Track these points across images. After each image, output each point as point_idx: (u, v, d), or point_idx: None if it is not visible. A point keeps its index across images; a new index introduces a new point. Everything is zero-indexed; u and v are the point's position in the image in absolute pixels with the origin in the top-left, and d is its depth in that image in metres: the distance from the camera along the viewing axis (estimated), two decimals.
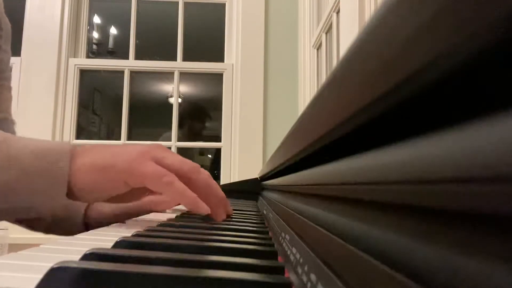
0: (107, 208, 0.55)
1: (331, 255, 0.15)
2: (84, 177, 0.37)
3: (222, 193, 0.46)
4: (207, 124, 2.21)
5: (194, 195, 0.40)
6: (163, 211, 0.58)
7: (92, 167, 0.38)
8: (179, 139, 1.75)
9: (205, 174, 0.44)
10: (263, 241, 0.30)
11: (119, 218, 0.53)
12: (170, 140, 1.78)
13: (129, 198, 0.44)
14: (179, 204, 0.61)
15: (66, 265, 0.17)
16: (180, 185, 0.39)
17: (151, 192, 0.45)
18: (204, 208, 0.41)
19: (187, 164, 0.42)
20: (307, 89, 1.54)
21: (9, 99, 0.68)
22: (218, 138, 1.71)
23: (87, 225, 0.55)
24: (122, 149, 0.40)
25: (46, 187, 0.36)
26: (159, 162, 0.39)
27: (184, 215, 0.51)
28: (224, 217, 0.45)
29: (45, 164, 0.36)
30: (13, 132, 0.65)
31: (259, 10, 1.65)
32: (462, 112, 0.08)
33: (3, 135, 0.37)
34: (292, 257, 0.22)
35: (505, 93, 0.07)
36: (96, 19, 2.39)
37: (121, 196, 0.41)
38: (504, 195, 0.06)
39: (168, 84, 3.08)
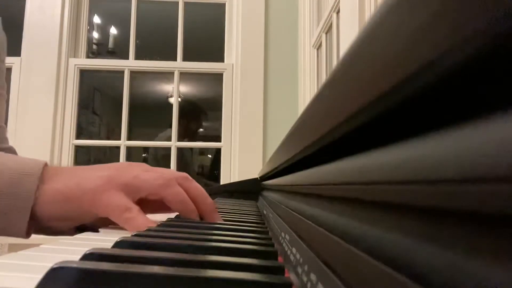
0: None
1: (331, 255, 0.15)
2: (49, 205, 0.37)
3: (200, 198, 0.44)
4: (204, 123, 2.21)
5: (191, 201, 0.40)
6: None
7: (57, 197, 0.37)
8: (178, 140, 1.74)
9: (176, 186, 0.41)
10: (263, 241, 0.30)
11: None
12: (164, 140, 1.78)
13: (103, 224, 0.43)
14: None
15: (66, 265, 0.17)
16: (140, 220, 0.37)
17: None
18: (195, 214, 0.41)
19: (157, 179, 0.40)
20: (307, 89, 1.54)
21: (2, 107, 0.69)
22: (218, 138, 1.71)
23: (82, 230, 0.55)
24: (90, 175, 0.39)
25: (11, 210, 0.35)
26: (128, 187, 0.38)
27: None
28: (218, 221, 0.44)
29: (11, 186, 0.35)
30: (4, 139, 0.66)
31: (259, 10, 1.65)
32: (462, 112, 0.08)
33: None
34: (292, 257, 0.22)
35: (505, 93, 0.07)
36: (96, 19, 2.39)
37: (91, 225, 0.41)
38: (504, 195, 0.06)
39: (168, 84, 3.09)
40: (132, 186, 0.39)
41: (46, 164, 0.38)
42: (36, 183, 0.36)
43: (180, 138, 1.81)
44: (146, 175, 0.40)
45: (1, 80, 0.67)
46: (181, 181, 0.42)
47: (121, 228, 0.38)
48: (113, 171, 0.39)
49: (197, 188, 0.44)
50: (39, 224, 0.38)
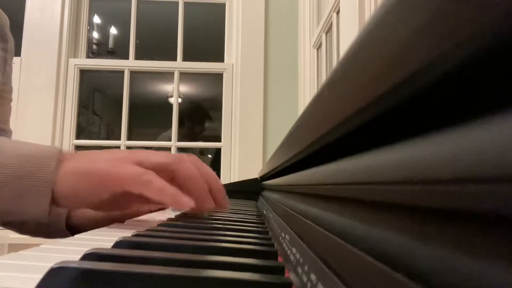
0: (89, 213, 0.55)
1: (331, 255, 0.15)
2: (67, 184, 0.37)
3: (212, 181, 0.43)
4: (207, 125, 2.20)
5: (175, 190, 0.38)
6: (149, 212, 0.57)
7: (73, 174, 0.38)
8: (178, 140, 1.74)
9: (189, 162, 0.42)
10: (263, 241, 0.30)
11: (101, 223, 0.52)
12: (167, 140, 1.78)
13: (115, 208, 0.43)
14: (162, 206, 0.57)
15: (66, 265, 0.17)
16: (159, 182, 0.37)
17: (140, 202, 0.44)
18: (185, 204, 0.38)
19: (169, 157, 0.41)
20: (307, 89, 1.54)
21: (8, 111, 0.70)
22: (218, 138, 1.71)
23: (71, 230, 0.55)
24: (103, 155, 0.39)
25: (32, 191, 0.36)
26: (140, 164, 0.39)
27: (184, 215, 0.50)
28: (209, 206, 0.43)
29: (32, 167, 0.36)
30: None
31: (259, 10, 1.65)
32: (462, 112, 0.08)
33: None
34: (292, 257, 0.22)
35: (505, 93, 0.07)
36: (96, 19, 2.39)
37: (106, 205, 0.41)
38: (504, 195, 0.06)
39: (168, 84, 3.09)
40: (146, 162, 0.39)
41: (60, 150, 0.39)
42: (54, 165, 0.37)
43: (184, 139, 1.81)
44: (157, 153, 0.41)
45: (9, 84, 0.67)
46: (193, 161, 0.43)
47: (122, 228, 0.38)
48: (126, 152, 0.40)
49: (209, 170, 0.44)
50: (55, 202, 0.38)
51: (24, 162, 0.36)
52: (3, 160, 0.36)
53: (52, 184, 0.36)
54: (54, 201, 0.38)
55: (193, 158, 0.43)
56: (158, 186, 0.37)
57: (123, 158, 0.39)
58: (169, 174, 0.40)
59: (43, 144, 0.40)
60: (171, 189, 0.38)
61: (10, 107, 0.70)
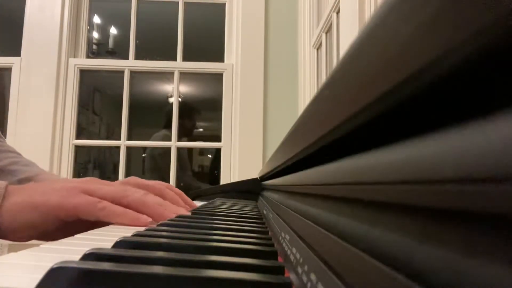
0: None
1: (331, 255, 0.15)
2: (15, 216, 0.38)
3: (166, 194, 0.47)
4: (202, 123, 2.21)
5: (131, 212, 0.41)
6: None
7: (22, 206, 0.38)
8: (168, 138, 1.74)
9: (136, 193, 0.44)
10: (263, 241, 0.30)
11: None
12: (159, 140, 1.78)
13: (67, 235, 0.44)
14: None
15: (66, 265, 0.17)
16: (114, 207, 0.39)
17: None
18: (144, 222, 0.41)
19: (118, 191, 0.42)
20: (307, 89, 1.54)
21: None
22: (218, 138, 1.71)
23: None
24: (53, 186, 0.40)
25: None
26: (91, 194, 0.40)
27: (184, 215, 0.50)
28: (168, 214, 0.45)
29: None
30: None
31: (259, 10, 1.65)
32: (461, 112, 0.08)
33: None
34: (292, 257, 0.22)
35: (505, 93, 0.07)
36: (96, 19, 2.39)
37: (52, 234, 0.41)
38: (504, 195, 0.06)
39: (168, 84, 3.09)
40: (97, 192, 0.40)
41: (7, 185, 0.39)
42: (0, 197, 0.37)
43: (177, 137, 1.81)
44: (107, 185, 0.43)
45: None
46: (138, 185, 0.47)
47: (121, 228, 0.38)
48: (76, 183, 0.41)
49: (157, 186, 0.49)
50: (5, 235, 0.39)
51: None
52: None
53: None
54: (2, 232, 0.38)
55: (137, 181, 0.47)
56: (114, 210, 0.39)
57: (73, 188, 0.40)
58: (120, 205, 0.41)
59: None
60: (128, 211, 0.40)
61: None
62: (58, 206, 0.38)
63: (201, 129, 2.32)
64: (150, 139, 1.89)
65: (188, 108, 2.20)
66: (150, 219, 0.41)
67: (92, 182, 0.43)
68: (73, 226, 0.42)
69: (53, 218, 0.39)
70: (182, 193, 0.57)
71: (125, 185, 0.46)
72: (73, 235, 0.46)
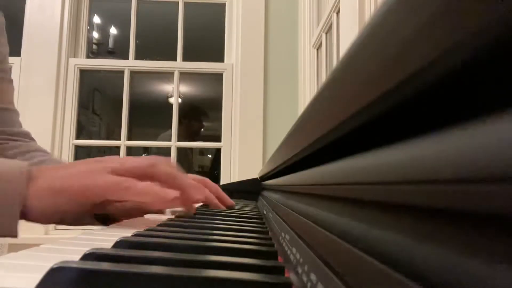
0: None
1: (331, 255, 0.15)
2: (43, 202, 0.37)
3: (189, 181, 0.45)
4: (205, 124, 2.22)
5: (157, 187, 0.39)
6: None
7: (49, 191, 0.37)
8: (178, 140, 1.74)
9: (164, 164, 0.42)
10: (263, 241, 0.30)
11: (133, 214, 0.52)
12: (167, 140, 1.78)
13: (90, 220, 0.44)
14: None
15: (66, 265, 0.17)
16: (139, 185, 0.38)
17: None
18: (170, 196, 0.39)
19: (143, 162, 0.41)
20: (307, 89, 1.54)
21: (9, 91, 0.69)
22: (218, 138, 1.71)
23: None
24: (76, 168, 0.39)
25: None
26: (115, 172, 0.39)
27: (184, 215, 0.51)
28: (198, 197, 0.44)
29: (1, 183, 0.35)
30: (16, 122, 0.67)
31: (259, 10, 1.65)
32: (461, 112, 0.08)
33: None
34: (292, 257, 0.22)
35: (505, 93, 0.07)
36: (96, 19, 2.39)
37: (82, 216, 0.41)
38: (504, 195, 0.06)
39: (168, 84, 3.09)
40: (121, 169, 0.39)
41: (29, 168, 0.39)
42: (24, 180, 0.36)
43: (182, 139, 1.82)
44: (131, 159, 0.41)
45: (4, 64, 0.67)
46: (168, 162, 0.43)
47: (122, 228, 0.38)
48: (99, 162, 0.40)
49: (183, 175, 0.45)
50: (38, 219, 0.38)
51: None
52: None
53: (21, 200, 0.36)
54: (30, 218, 0.37)
55: (168, 160, 0.44)
56: (139, 189, 0.38)
57: (97, 169, 0.39)
58: (147, 178, 0.40)
59: (11, 160, 0.39)
60: (153, 187, 0.39)
61: (12, 87, 0.70)
62: (83, 190, 0.38)
63: (202, 130, 2.33)
64: (157, 139, 1.89)
65: (197, 110, 2.21)
66: (177, 193, 0.40)
67: (114, 159, 0.41)
68: (101, 207, 0.42)
69: (82, 201, 0.38)
70: (218, 188, 0.54)
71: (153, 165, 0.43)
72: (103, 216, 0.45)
